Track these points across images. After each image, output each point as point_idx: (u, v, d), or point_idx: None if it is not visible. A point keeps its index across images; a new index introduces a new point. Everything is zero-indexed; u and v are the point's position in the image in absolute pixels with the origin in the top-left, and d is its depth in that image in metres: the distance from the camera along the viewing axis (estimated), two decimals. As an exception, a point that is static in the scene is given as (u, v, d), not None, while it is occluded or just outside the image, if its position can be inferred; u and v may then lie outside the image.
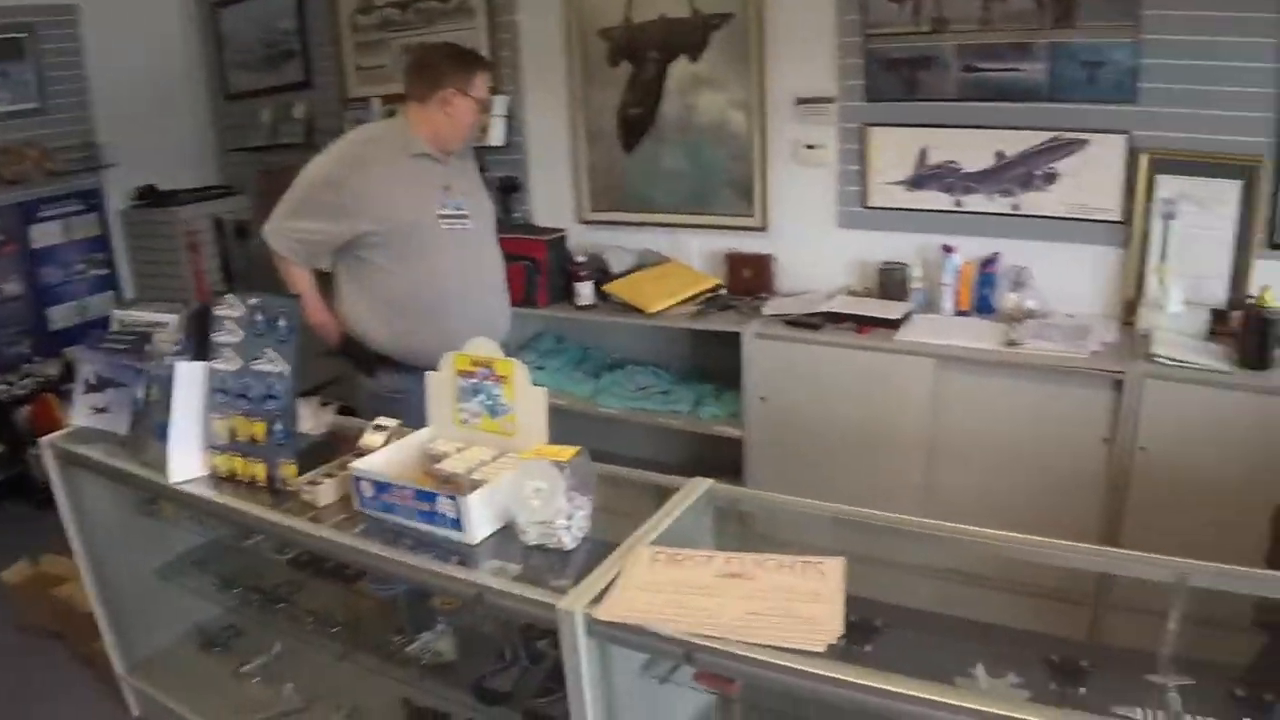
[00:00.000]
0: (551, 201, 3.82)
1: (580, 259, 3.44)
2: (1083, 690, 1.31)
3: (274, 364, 1.91)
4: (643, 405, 3.38)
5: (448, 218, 2.58)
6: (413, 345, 2.54)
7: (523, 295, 3.43)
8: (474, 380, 1.82)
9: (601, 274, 3.42)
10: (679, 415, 3.34)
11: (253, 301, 1.95)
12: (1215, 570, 1.53)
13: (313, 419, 2.14)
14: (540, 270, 3.45)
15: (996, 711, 1.15)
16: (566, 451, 1.57)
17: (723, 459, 3.19)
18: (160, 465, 2.01)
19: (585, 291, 3.36)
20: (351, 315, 2.63)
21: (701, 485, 1.77)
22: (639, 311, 3.25)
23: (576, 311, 3.41)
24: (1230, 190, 2.90)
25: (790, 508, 1.84)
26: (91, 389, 2.32)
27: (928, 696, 1.18)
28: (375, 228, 2.49)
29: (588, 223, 3.76)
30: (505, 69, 3.84)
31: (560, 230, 3.60)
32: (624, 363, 3.61)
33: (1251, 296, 2.72)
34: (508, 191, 3.79)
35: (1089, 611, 2.56)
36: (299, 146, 4.48)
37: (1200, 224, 2.96)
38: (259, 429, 1.93)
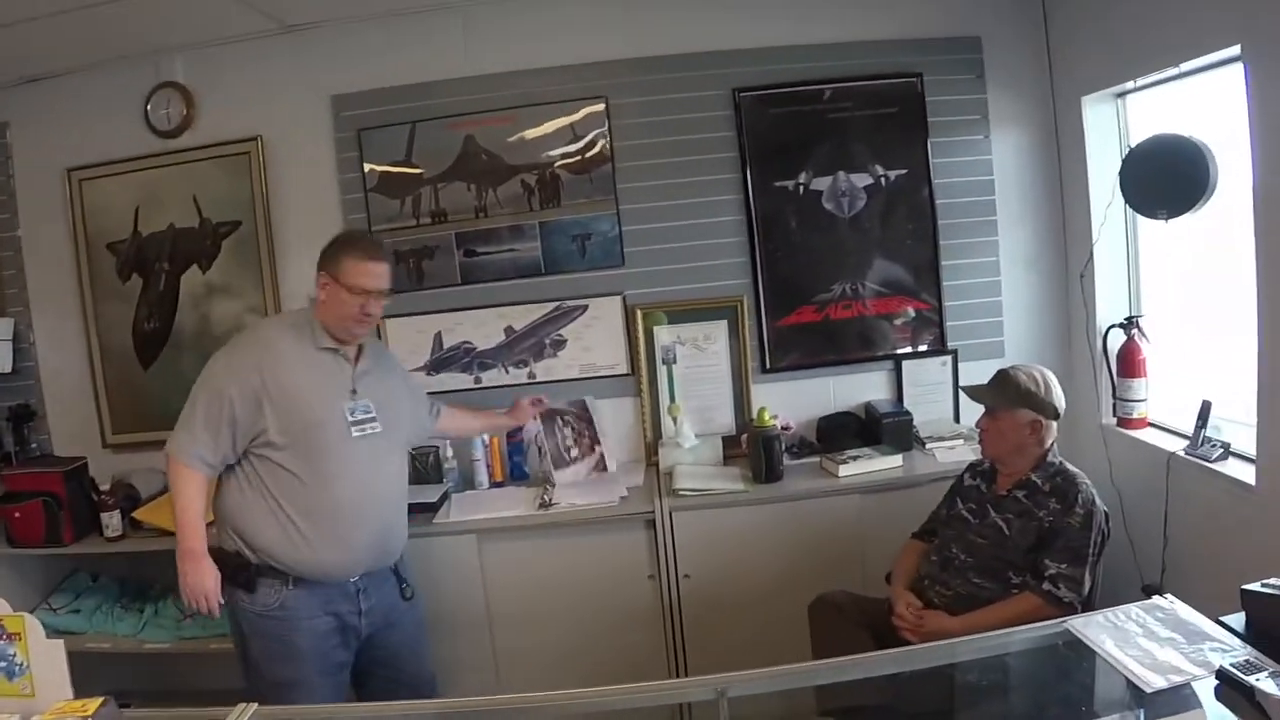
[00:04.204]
0: (71, 427, 3.52)
1: (105, 487, 3.20)
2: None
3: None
4: (192, 634, 3.14)
5: (358, 423, 2.41)
6: (307, 556, 2.35)
7: (42, 534, 3.09)
8: (-17, 643, 1.71)
9: (131, 500, 3.18)
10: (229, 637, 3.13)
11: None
12: (749, 676, 1.73)
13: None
14: (61, 505, 3.09)
15: None
16: (91, 704, 1.52)
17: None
18: None
19: (114, 522, 3.10)
20: (237, 523, 2.38)
21: (248, 710, 1.73)
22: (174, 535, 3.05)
23: (107, 544, 3.11)
24: (719, 329, 3.35)
25: (342, 715, 1.92)
26: None
27: None
28: (282, 425, 2.32)
29: (112, 446, 3.51)
30: (10, 289, 3.55)
31: (80, 458, 3.27)
32: (168, 592, 3.31)
33: (753, 419, 3.12)
34: (21, 421, 3.45)
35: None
36: None
37: (699, 363, 3.38)
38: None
